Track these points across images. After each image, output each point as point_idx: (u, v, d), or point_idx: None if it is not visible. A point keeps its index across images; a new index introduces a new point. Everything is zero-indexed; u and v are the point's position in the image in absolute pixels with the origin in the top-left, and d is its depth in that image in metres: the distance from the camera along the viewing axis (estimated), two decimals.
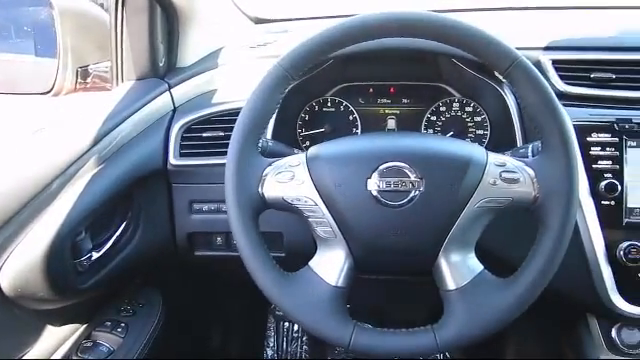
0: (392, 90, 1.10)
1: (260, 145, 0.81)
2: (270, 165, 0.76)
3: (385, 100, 1.10)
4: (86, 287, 0.91)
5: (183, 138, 1.02)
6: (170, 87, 1.08)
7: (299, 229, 0.88)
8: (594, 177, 0.90)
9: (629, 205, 0.90)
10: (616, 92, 0.95)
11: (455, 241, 0.73)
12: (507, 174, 0.72)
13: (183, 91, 1.09)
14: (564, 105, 0.90)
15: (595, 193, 0.90)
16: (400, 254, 0.74)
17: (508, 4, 1.30)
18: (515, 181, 0.72)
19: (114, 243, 0.98)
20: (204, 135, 1.02)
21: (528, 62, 0.70)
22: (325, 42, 0.73)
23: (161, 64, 1.12)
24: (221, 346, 1.53)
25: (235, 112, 0.75)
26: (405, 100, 1.10)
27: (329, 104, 1.11)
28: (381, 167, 0.72)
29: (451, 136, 1.06)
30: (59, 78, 1.13)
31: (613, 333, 0.98)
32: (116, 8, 1.05)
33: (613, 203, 0.90)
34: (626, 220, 0.90)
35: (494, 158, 0.74)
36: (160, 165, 1.01)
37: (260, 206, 0.75)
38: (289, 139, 1.07)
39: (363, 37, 0.73)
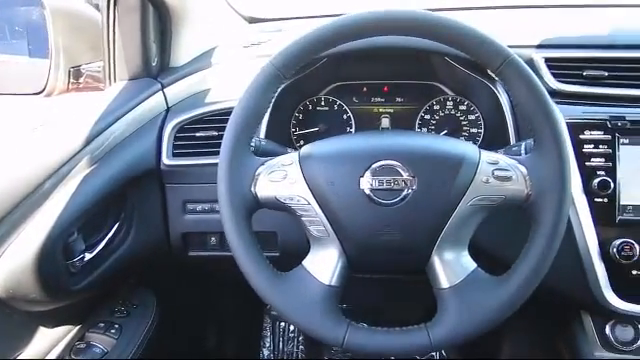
0: (386, 89, 1.10)
1: (253, 144, 0.81)
2: (263, 164, 0.76)
3: (379, 99, 1.10)
4: (79, 288, 0.91)
5: (176, 138, 1.02)
6: (163, 87, 1.08)
7: (293, 229, 0.88)
8: (587, 174, 0.90)
9: (622, 202, 0.90)
10: (609, 90, 0.95)
11: (448, 239, 0.73)
12: (500, 172, 0.72)
13: (176, 91, 1.09)
14: (557, 103, 0.91)
15: (588, 190, 0.90)
16: (393, 253, 0.74)
17: (501, 3, 1.30)
18: (508, 179, 0.72)
19: (107, 244, 0.97)
20: (197, 135, 1.02)
21: (520, 60, 0.71)
22: (317, 41, 0.73)
23: (154, 64, 1.11)
24: (217, 346, 1.53)
25: (228, 111, 0.75)
26: (399, 99, 1.10)
27: (323, 103, 1.11)
28: (374, 166, 0.72)
29: (445, 134, 1.06)
30: (51, 78, 1.13)
31: (607, 330, 0.98)
32: (108, 7, 1.05)
33: (606, 200, 0.90)
34: (619, 217, 0.90)
35: (487, 156, 0.74)
36: (153, 165, 1.01)
37: (253, 206, 0.75)
38: (283, 139, 1.07)
39: (355, 35, 0.73)
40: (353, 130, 1.10)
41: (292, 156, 0.77)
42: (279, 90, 0.76)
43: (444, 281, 0.73)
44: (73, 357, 0.93)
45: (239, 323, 1.60)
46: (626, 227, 0.90)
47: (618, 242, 0.89)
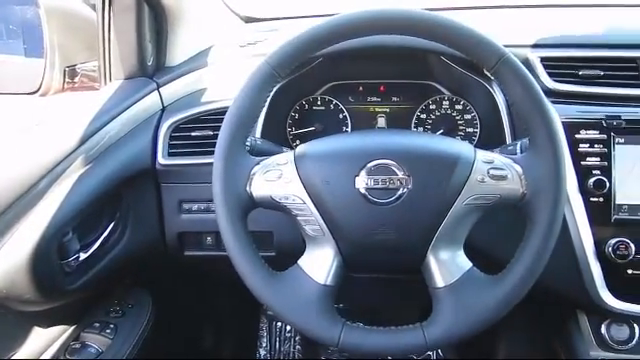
0: (382, 88, 1.10)
1: (248, 144, 0.81)
2: (258, 164, 0.76)
3: (375, 98, 1.10)
4: (74, 288, 0.90)
5: (172, 137, 1.02)
6: (159, 86, 1.08)
7: (289, 228, 0.88)
8: (583, 174, 0.90)
9: (617, 202, 0.90)
10: (604, 89, 0.95)
11: (444, 238, 0.72)
12: (495, 171, 0.72)
13: (172, 90, 1.09)
14: (553, 102, 0.91)
15: (584, 190, 0.90)
16: (389, 252, 0.74)
17: (497, 2, 1.30)
18: (503, 178, 0.72)
19: (102, 243, 0.97)
20: (193, 134, 1.01)
21: (515, 59, 0.71)
22: (312, 40, 0.73)
23: (149, 63, 1.11)
24: (213, 347, 1.53)
25: (224, 111, 0.75)
26: (395, 98, 1.10)
27: (319, 103, 1.11)
28: (369, 165, 0.72)
29: (441, 134, 1.06)
30: (46, 78, 1.13)
31: (602, 329, 0.99)
32: (103, 7, 1.04)
33: (601, 200, 0.90)
34: (614, 216, 0.90)
35: (482, 155, 0.74)
36: (149, 165, 1.01)
37: (248, 205, 0.75)
38: (279, 138, 1.07)
39: (350, 35, 0.72)
40: (349, 129, 1.10)
41: (287, 155, 0.77)
42: (274, 89, 0.76)
43: (439, 280, 0.73)
44: (68, 357, 0.93)
45: (236, 323, 1.59)
46: (621, 226, 0.90)
47: (613, 241, 0.89)
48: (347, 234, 0.73)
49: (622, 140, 0.91)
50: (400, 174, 0.72)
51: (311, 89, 1.10)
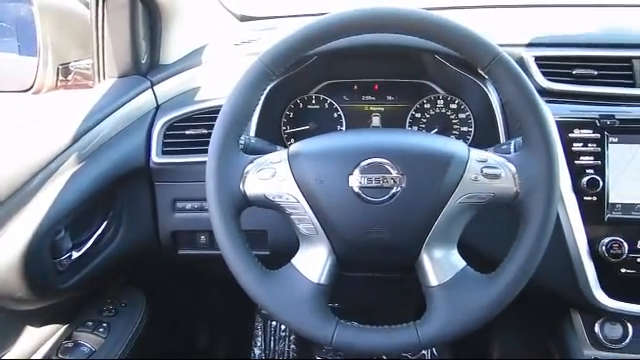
0: (376, 87, 1.10)
1: (242, 142, 0.81)
2: (252, 162, 0.75)
3: (370, 97, 1.10)
4: (66, 287, 0.90)
5: (166, 136, 1.01)
6: (153, 84, 1.07)
7: (284, 227, 0.88)
8: (576, 173, 0.91)
9: (611, 201, 0.90)
10: (598, 88, 0.95)
11: (437, 237, 0.72)
12: (488, 170, 0.72)
13: (166, 88, 1.08)
14: (546, 101, 0.91)
15: (577, 189, 0.90)
16: (382, 250, 0.74)
17: (491, 2, 1.30)
18: (496, 177, 0.72)
19: (95, 242, 0.96)
20: (187, 133, 1.01)
21: (509, 58, 0.70)
22: (305, 38, 0.73)
23: (143, 61, 1.10)
24: (208, 346, 1.52)
25: (218, 109, 0.75)
26: (390, 97, 1.09)
27: (313, 101, 1.10)
28: (362, 163, 0.72)
29: (435, 133, 1.06)
30: (39, 75, 1.12)
31: (596, 328, 0.99)
32: (97, 4, 1.04)
33: (595, 199, 0.90)
34: (608, 215, 0.91)
35: (476, 154, 0.74)
36: (142, 163, 1.00)
37: (242, 203, 0.75)
38: (274, 137, 1.07)
39: (343, 33, 0.72)
40: (344, 128, 1.10)
41: (281, 154, 0.76)
42: (268, 88, 0.76)
43: (433, 279, 0.73)
44: (60, 356, 0.92)
45: (230, 322, 1.59)
46: (615, 225, 0.91)
47: (607, 240, 0.89)
48: (341, 233, 0.73)
49: (616, 139, 0.91)
50: (394, 173, 0.71)
51: (306, 88, 1.10)
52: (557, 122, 0.91)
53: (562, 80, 0.96)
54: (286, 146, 1.07)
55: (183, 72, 1.11)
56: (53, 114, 0.99)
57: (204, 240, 1.05)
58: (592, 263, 0.91)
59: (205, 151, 0.75)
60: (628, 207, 0.91)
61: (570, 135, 0.91)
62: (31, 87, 1.12)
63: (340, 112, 1.10)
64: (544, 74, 0.96)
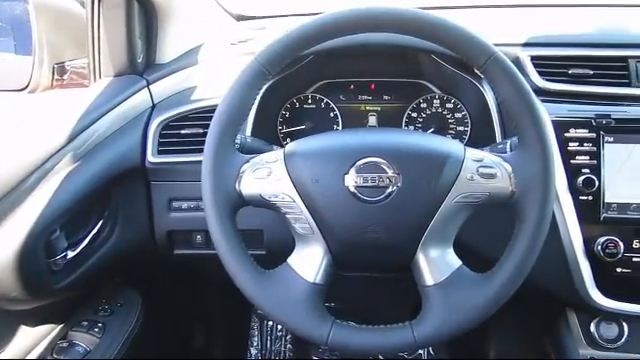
0: (373, 87, 1.10)
1: (238, 142, 0.81)
2: (247, 162, 0.75)
3: (366, 97, 1.10)
4: (61, 287, 0.89)
5: (162, 135, 1.01)
6: (149, 84, 1.07)
7: (280, 227, 0.88)
8: (572, 172, 0.91)
9: (606, 200, 0.90)
10: (594, 88, 0.96)
11: (433, 236, 0.72)
12: (484, 169, 0.72)
13: (162, 88, 1.08)
14: (542, 101, 0.91)
15: (573, 188, 0.90)
16: (378, 250, 0.74)
17: (488, 2, 1.30)
18: (492, 176, 0.72)
19: (91, 242, 0.96)
20: (183, 132, 1.01)
21: (504, 57, 0.70)
22: (301, 38, 0.73)
23: (139, 60, 1.10)
24: (204, 346, 1.52)
25: (214, 109, 0.75)
26: (386, 97, 1.09)
27: (310, 101, 1.10)
28: (358, 163, 0.72)
29: (432, 132, 1.06)
30: (35, 75, 1.12)
31: (592, 328, 0.99)
32: (92, 3, 1.03)
33: (591, 198, 0.90)
34: (603, 215, 0.91)
35: (472, 153, 0.74)
36: (138, 162, 1.00)
37: (237, 203, 0.75)
38: (270, 136, 1.06)
39: (339, 32, 0.72)
40: (340, 128, 1.10)
41: (277, 153, 0.76)
42: (264, 87, 0.75)
43: (429, 279, 0.73)
44: (55, 356, 0.92)
45: (226, 322, 1.59)
46: (610, 225, 0.91)
47: (603, 240, 0.90)
48: (336, 232, 0.73)
49: (611, 139, 0.91)
50: (390, 172, 0.71)
51: (302, 87, 1.10)
52: (553, 121, 0.91)
53: (558, 80, 0.96)
54: (282, 146, 1.07)
55: (179, 71, 1.11)
56: (48, 113, 0.99)
57: (200, 240, 1.05)
58: (588, 262, 0.91)
59: (201, 150, 0.74)
60: (624, 207, 0.91)
61: (566, 135, 0.92)
62: (26, 86, 1.12)
63: (336, 112, 1.10)
64: (540, 74, 0.96)
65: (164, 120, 1.01)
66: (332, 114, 1.10)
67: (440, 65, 0.99)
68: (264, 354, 1.63)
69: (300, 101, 1.10)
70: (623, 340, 0.98)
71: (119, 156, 0.97)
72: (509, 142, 0.82)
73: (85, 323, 0.99)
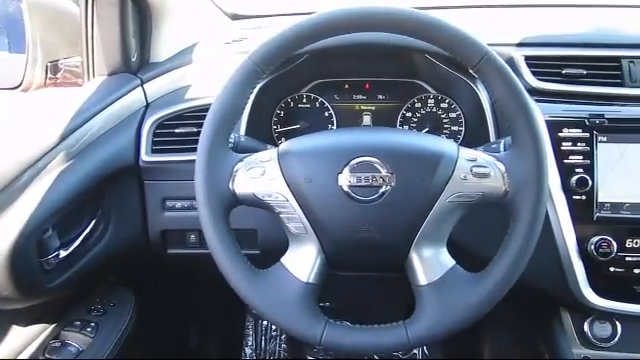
0: (367, 86, 1.10)
1: (232, 141, 0.80)
2: (241, 161, 0.75)
3: (360, 96, 1.10)
4: (54, 286, 0.89)
5: (155, 134, 1.01)
6: (143, 82, 1.07)
7: (274, 226, 0.87)
8: (565, 172, 0.91)
9: (600, 200, 0.91)
10: (587, 88, 0.96)
11: (427, 236, 0.72)
12: (478, 169, 0.72)
13: (156, 87, 1.08)
14: (536, 101, 0.92)
15: (566, 188, 0.91)
16: (372, 250, 0.74)
17: (482, 2, 1.31)
18: (486, 176, 0.72)
19: (83, 241, 0.95)
20: (177, 131, 1.01)
21: (498, 57, 0.70)
22: (295, 37, 0.72)
23: (133, 59, 1.09)
24: (198, 346, 1.51)
25: (208, 108, 0.74)
26: (380, 96, 1.09)
27: (304, 100, 1.10)
28: (352, 162, 0.72)
29: (426, 132, 1.06)
30: (28, 73, 1.11)
31: (585, 327, 0.99)
32: (86, 1, 1.03)
33: (584, 198, 0.91)
34: (597, 214, 0.91)
35: (465, 153, 0.74)
36: (132, 161, 1.00)
37: (231, 202, 0.74)
38: (265, 136, 1.06)
39: (332, 32, 0.72)
40: (335, 127, 1.10)
41: (271, 152, 0.76)
42: (259, 87, 0.75)
43: (422, 278, 0.72)
44: (47, 356, 0.91)
45: (221, 322, 1.58)
46: (604, 224, 0.91)
47: (596, 239, 0.90)
48: (330, 232, 0.73)
49: (605, 138, 0.91)
50: (383, 172, 0.71)
51: (297, 87, 1.10)
52: (546, 121, 0.91)
53: (552, 79, 0.96)
54: (277, 145, 1.07)
55: (173, 70, 1.11)
56: (42, 112, 0.98)
57: (194, 239, 1.04)
58: (581, 262, 0.91)
59: (195, 149, 0.74)
60: (617, 206, 0.91)
61: (559, 134, 0.92)
62: (20, 84, 1.11)
63: (331, 111, 1.10)
64: (534, 73, 0.96)
65: (158, 119, 1.01)
66: (327, 113, 1.10)
67: (435, 65, 0.99)
68: (259, 354, 1.63)
69: (295, 100, 1.10)
70: (616, 339, 0.98)
71: (112, 155, 0.97)
72: (503, 142, 0.82)
73: (78, 323, 0.98)
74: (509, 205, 0.71)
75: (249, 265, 0.73)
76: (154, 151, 1.00)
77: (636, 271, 0.91)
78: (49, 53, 1.14)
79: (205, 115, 0.74)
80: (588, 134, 0.91)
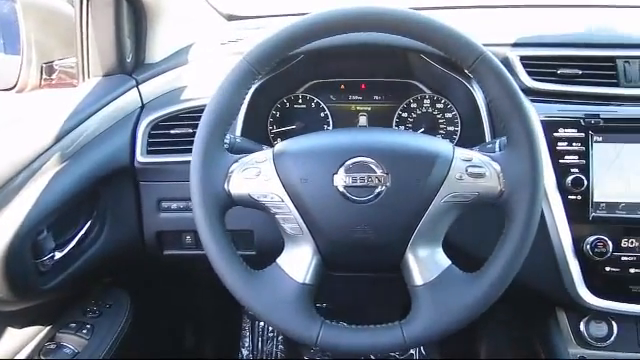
0: (363, 86, 1.10)
1: (227, 142, 0.80)
2: (236, 161, 0.75)
3: (356, 97, 1.10)
4: (49, 288, 0.88)
5: (151, 135, 1.01)
6: (138, 83, 1.06)
7: (270, 227, 0.87)
8: (561, 172, 0.91)
9: (595, 199, 0.91)
10: (582, 88, 0.96)
11: (422, 236, 0.72)
12: (473, 169, 0.72)
13: (151, 87, 1.07)
14: (531, 101, 0.92)
15: (562, 188, 0.91)
16: (367, 250, 0.74)
17: (477, 2, 1.31)
18: (481, 176, 0.72)
19: (79, 242, 0.95)
20: (172, 132, 1.00)
21: (493, 57, 0.71)
22: (290, 37, 0.72)
23: (129, 60, 1.09)
24: (195, 347, 1.51)
25: (204, 109, 0.74)
26: (376, 96, 1.09)
27: (300, 101, 1.10)
28: (347, 162, 0.72)
29: (422, 132, 1.06)
30: (23, 74, 1.11)
31: (581, 327, 0.99)
32: (81, 2, 1.03)
33: (579, 198, 0.91)
34: (592, 214, 0.91)
35: (461, 153, 0.74)
36: (127, 162, 0.99)
37: (226, 203, 0.74)
38: (260, 137, 1.06)
39: (328, 32, 0.72)
40: (330, 128, 1.10)
41: (266, 153, 0.76)
42: (254, 87, 0.75)
43: (418, 278, 0.72)
44: (42, 358, 0.91)
45: (217, 323, 1.58)
46: (599, 224, 0.91)
47: (592, 239, 0.90)
48: (326, 232, 0.73)
49: (600, 138, 0.92)
50: (379, 172, 0.71)
51: (292, 87, 1.10)
52: (542, 121, 0.91)
53: (547, 80, 0.96)
54: (273, 146, 1.07)
55: (169, 71, 1.10)
56: (36, 113, 0.98)
57: (189, 240, 1.04)
58: (577, 262, 0.91)
59: (190, 150, 0.74)
60: (612, 206, 0.91)
61: (555, 134, 0.92)
62: (14, 86, 1.11)
63: (327, 112, 1.10)
64: (529, 73, 0.96)
65: (153, 120, 1.01)
66: (322, 114, 1.10)
67: (430, 65, 0.99)
68: (255, 355, 1.63)
69: (290, 101, 1.10)
70: (612, 339, 0.98)
71: (108, 156, 0.96)
72: (498, 142, 0.82)
73: (73, 324, 0.98)
74: (504, 205, 0.71)
75: (245, 266, 0.73)
76: (149, 152, 1.00)
77: (632, 271, 0.91)
78: (44, 54, 1.13)
79: (200, 116, 0.74)
80: (583, 134, 0.91)
